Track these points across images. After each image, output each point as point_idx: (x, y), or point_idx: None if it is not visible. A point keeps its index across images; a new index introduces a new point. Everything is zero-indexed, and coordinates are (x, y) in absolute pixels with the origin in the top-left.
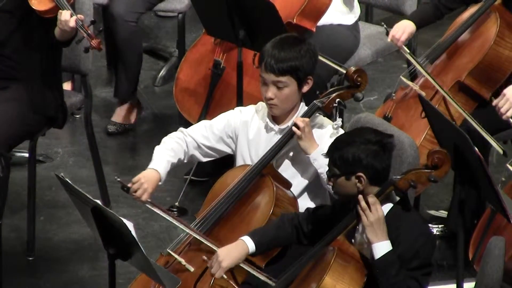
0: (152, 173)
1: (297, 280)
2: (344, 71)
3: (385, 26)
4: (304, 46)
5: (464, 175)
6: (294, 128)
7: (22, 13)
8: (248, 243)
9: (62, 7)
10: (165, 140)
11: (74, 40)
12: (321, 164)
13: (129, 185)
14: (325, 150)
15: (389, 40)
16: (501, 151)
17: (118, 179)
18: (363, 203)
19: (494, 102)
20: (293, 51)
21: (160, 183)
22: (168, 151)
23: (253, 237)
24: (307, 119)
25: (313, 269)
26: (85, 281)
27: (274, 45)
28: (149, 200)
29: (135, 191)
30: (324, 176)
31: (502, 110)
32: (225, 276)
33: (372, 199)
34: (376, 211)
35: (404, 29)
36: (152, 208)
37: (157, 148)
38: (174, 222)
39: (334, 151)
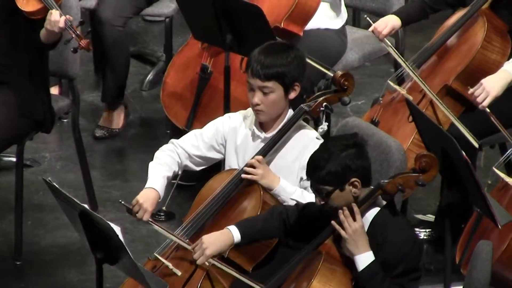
0: (150, 192)
1: (285, 284)
2: (332, 74)
3: (368, 18)
4: (291, 52)
5: (452, 179)
6: (246, 176)
7: (9, 15)
8: (233, 233)
9: (51, 8)
10: (158, 155)
11: (63, 41)
12: (287, 197)
13: (131, 207)
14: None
15: (369, 30)
16: (476, 144)
17: (123, 202)
18: (341, 216)
19: (470, 91)
20: (279, 57)
21: (159, 200)
22: (163, 166)
23: (240, 227)
24: (260, 157)
25: (301, 273)
26: (72, 285)
27: (261, 51)
28: (150, 220)
29: (137, 212)
30: (289, 202)
31: (479, 99)
32: (207, 263)
33: (354, 208)
34: (354, 222)
35: (387, 22)
36: (154, 227)
37: (151, 164)
38: (178, 241)
39: (318, 171)
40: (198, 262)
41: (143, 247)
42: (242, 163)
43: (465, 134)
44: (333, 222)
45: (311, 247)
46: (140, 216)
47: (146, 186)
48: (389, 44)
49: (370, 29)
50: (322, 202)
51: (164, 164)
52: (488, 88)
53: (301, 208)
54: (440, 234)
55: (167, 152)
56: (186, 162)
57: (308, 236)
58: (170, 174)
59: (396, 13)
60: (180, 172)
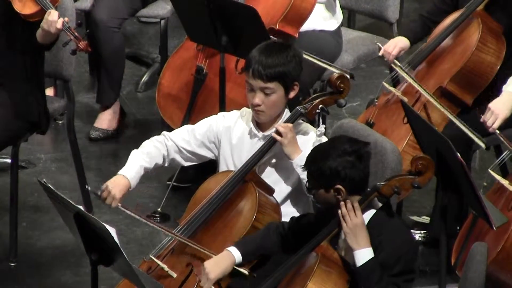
0: (120, 179)
1: (281, 286)
2: (335, 70)
3: (379, 44)
4: (290, 51)
5: (447, 181)
6: (275, 135)
7: (6, 17)
8: (234, 254)
9: (47, 10)
10: (144, 144)
11: (61, 43)
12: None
13: (99, 193)
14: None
15: (380, 54)
16: (483, 145)
17: (89, 189)
18: (343, 209)
19: (482, 119)
20: (280, 57)
21: (130, 189)
22: (143, 156)
23: (239, 247)
24: (290, 125)
25: (296, 275)
26: (67, 287)
27: (261, 51)
28: (119, 205)
29: (105, 199)
30: (303, 176)
31: (489, 123)
32: None
33: (355, 204)
34: (356, 217)
35: (396, 43)
36: (127, 212)
37: (133, 152)
38: (149, 223)
39: (311, 165)
40: (206, 287)
41: (138, 249)
42: (238, 162)
43: (471, 135)
44: (339, 212)
45: (308, 248)
46: (109, 202)
47: (119, 172)
48: (398, 64)
49: (380, 53)
50: (310, 195)
51: (146, 154)
52: (497, 112)
53: (296, 219)
54: (435, 236)
55: (154, 143)
56: (175, 156)
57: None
58: (150, 166)
59: (402, 34)
60: (166, 165)
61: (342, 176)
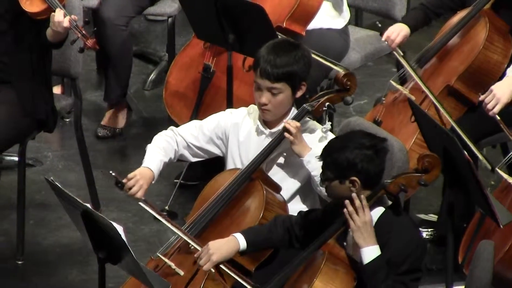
0: (147, 171)
1: (288, 284)
2: (340, 70)
3: (380, 25)
4: (298, 51)
5: (454, 179)
6: (286, 134)
7: (14, 15)
8: (240, 240)
9: (55, 8)
10: (156, 138)
11: (69, 41)
12: (314, 167)
13: (124, 180)
14: (317, 153)
15: (383, 39)
16: (489, 167)
17: (113, 174)
18: (350, 208)
19: (481, 98)
20: (288, 57)
21: (152, 182)
22: (160, 150)
23: (245, 235)
24: (298, 123)
25: (303, 273)
26: (74, 285)
27: (269, 50)
28: (143, 198)
29: (130, 188)
30: (317, 179)
31: (489, 106)
32: (213, 270)
33: (363, 201)
34: (364, 215)
35: (399, 31)
36: (145, 207)
37: (149, 146)
38: (165, 222)
39: (328, 155)
40: (205, 268)
41: (146, 247)
42: (245, 159)
43: (479, 156)
44: (344, 210)
45: (315, 246)
46: (134, 191)
47: (143, 165)
48: (401, 53)
49: (383, 38)
50: (323, 186)
51: (162, 148)
52: (498, 95)
53: (304, 214)
54: (443, 234)
55: (165, 138)
56: (183, 151)
57: (313, 241)
58: (167, 160)
59: (403, 21)
60: (175, 160)
61: (359, 169)
